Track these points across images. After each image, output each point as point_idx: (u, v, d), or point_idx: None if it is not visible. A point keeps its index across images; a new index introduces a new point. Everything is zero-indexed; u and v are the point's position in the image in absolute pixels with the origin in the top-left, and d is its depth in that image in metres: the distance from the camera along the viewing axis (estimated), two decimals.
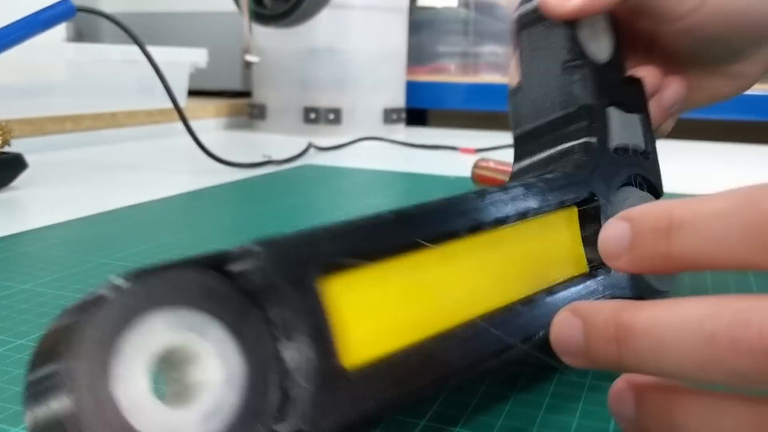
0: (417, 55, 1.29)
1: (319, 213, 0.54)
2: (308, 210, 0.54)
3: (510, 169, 0.69)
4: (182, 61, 1.02)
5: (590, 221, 0.25)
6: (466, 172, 0.64)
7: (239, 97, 1.22)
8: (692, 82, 0.38)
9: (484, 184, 0.62)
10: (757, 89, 1.18)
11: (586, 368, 0.20)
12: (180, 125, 0.72)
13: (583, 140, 0.27)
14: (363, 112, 1.05)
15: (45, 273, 0.37)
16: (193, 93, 1.25)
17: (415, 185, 0.67)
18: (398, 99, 1.12)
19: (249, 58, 1.08)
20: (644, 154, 0.29)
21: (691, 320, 0.17)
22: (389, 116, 1.08)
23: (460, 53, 1.31)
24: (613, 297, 0.24)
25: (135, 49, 0.70)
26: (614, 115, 0.28)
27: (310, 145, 0.83)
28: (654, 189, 0.29)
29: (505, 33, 1.28)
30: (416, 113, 1.56)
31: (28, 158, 0.60)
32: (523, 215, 0.23)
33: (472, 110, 1.33)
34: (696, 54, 0.36)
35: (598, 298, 0.24)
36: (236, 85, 1.24)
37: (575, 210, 0.25)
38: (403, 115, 1.14)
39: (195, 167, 0.74)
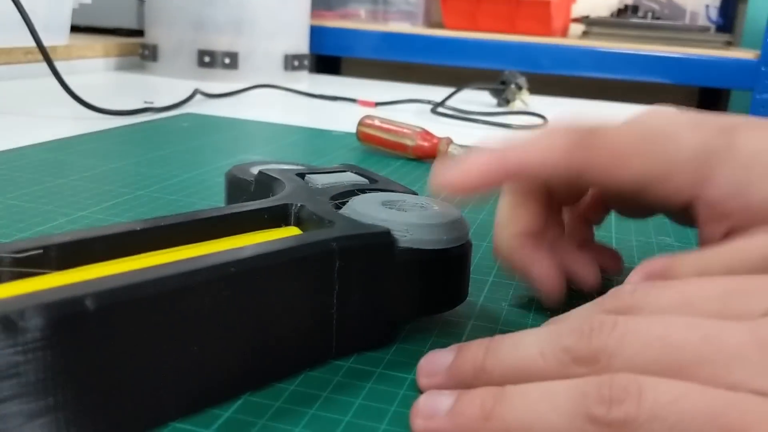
0: None
1: (178, 169, 0.50)
2: (167, 165, 0.50)
3: (395, 128, 0.65)
4: None
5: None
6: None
7: (134, 36, 1.15)
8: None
9: (367, 143, 0.59)
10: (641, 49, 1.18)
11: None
12: (62, 65, 0.67)
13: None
14: (262, 58, 1.00)
15: None
16: (84, 30, 1.17)
17: (298, 139, 0.64)
18: (301, 45, 1.07)
19: None
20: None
21: (537, 338, 0.21)
22: (290, 63, 1.03)
23: None
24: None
25: None
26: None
27: (196, 92, 0.78)
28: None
29: None
30: (328, 61, 1.51)
31: None
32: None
33: (385, 60, 1.29)
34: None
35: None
36: (131, 23, 1.16)
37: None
38: (306, 62, 1.09)
39: (68, 113, 0.69)
